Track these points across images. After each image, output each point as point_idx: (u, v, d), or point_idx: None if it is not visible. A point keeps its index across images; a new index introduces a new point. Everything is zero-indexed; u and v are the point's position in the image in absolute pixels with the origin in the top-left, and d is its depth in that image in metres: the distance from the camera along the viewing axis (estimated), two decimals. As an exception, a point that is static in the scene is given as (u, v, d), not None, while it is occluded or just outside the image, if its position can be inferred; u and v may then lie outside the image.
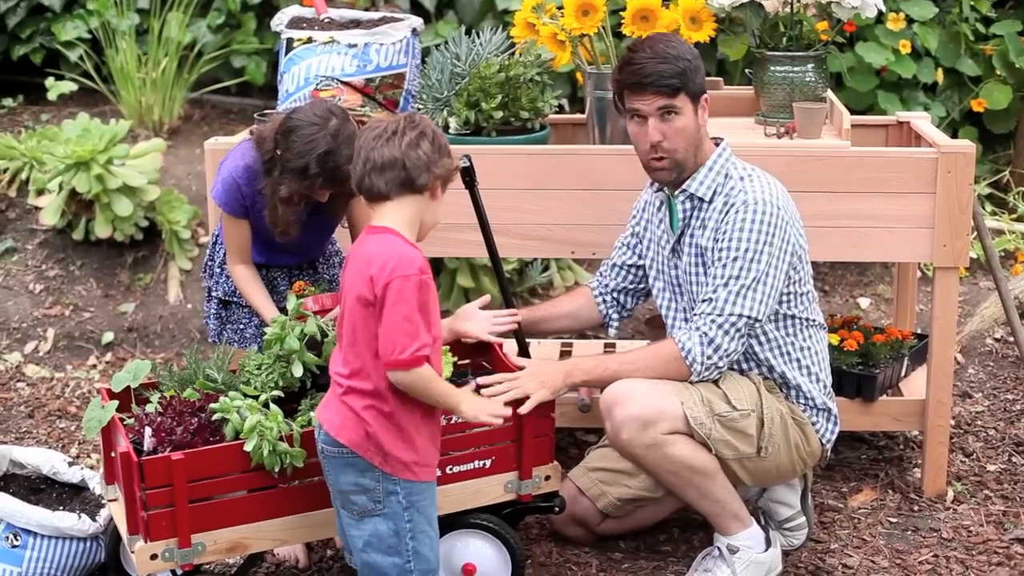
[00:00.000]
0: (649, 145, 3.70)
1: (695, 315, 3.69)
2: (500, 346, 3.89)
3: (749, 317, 3.64)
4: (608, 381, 3.74)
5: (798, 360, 3.82)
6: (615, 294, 4.12)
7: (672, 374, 3.68)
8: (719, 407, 3.67)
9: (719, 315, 3.64)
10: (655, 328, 4.43)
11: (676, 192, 3.78)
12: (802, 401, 3.85)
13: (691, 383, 3.69)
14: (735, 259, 3.64)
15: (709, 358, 3.66)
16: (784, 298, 3.75)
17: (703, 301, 3.68)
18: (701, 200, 3.75)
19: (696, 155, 3.74)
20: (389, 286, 3.14)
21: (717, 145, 3.80)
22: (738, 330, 3.65)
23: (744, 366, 3.82)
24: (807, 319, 3.82)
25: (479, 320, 3.87)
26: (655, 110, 3.66)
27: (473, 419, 3.33)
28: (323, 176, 3.64)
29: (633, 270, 4.09)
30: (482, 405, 3.37)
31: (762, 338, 3.78)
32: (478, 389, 3.65)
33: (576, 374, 3.73)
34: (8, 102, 7.17)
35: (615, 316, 4.14)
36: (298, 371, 3.58)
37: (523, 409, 3.59)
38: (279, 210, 3.72)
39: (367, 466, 3.23)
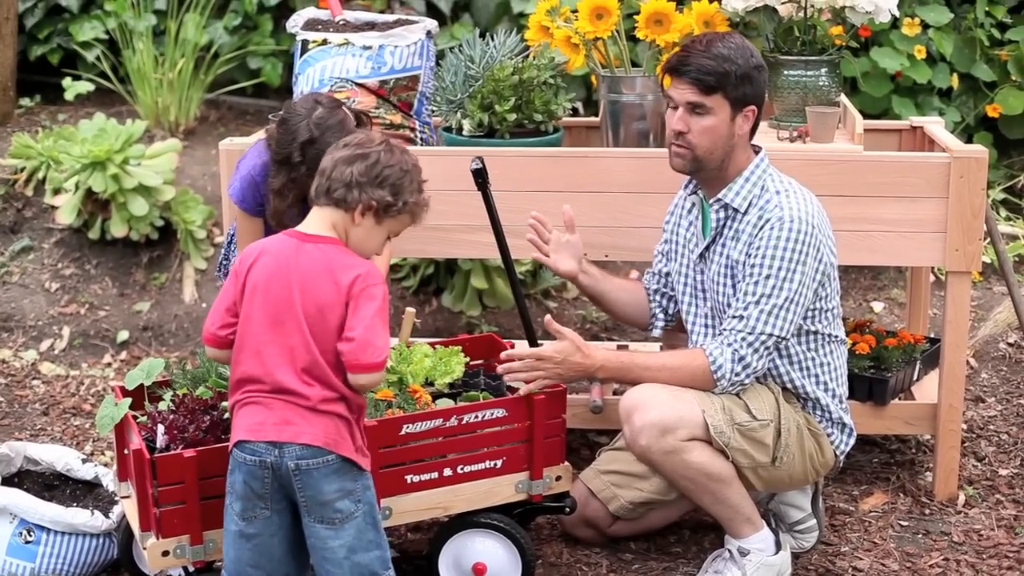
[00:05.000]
0: (671, 131, 3.70)
1: (726, 330, 3.67)
2: (511, 346, 3.91)
3: (779, 336, 3.65)
4: (631, 384, 3.75)
5: (816, 376, 3.81)
6: (659, 297, 4.10)
7: (697, 386, 3.68)
8: (739, 416, 3.67)
9: (750, 333, 3.64)
10: (669, 331, 4.43)
11: (711, 200, 3.78)
12: (818, 413, 3.85)
13: (713, 393, 3.70)
14: (768, 277, 3.63)
15: (737, 375, 3.66)
16: (809, 314, 3.74)
17: (735, 317, 3.67)
18: (735, 211, 3.73)
19: (724, 159, 3.71)
20: (365, 291, 3.16)
21: (756, 154, 3.79)
22: (767, 348, 3.66)
23: (762, 376, 3.82)
24: (829, 334, 3.81)
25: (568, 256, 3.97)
26: (685, 102, 3.65)
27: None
28: (307, 165, 3.67)
29: (669, 278, 4.08)
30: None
31: (783, 352, 3.78)
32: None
33: (600, 374, 3.75)
34: (25, 102, 7.21)
35: (661, 317, 4.09)
36: None
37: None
38: (272, 202, 3.76)
39: (347, 467, 3.20)
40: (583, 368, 3.72)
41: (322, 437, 3.18)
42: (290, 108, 3.74)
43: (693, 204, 3.89)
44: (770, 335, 3.63)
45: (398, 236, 3.38)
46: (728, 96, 3.65)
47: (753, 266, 3.66)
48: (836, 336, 3.84)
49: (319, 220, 3.28)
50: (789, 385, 3.81)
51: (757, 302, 3.64)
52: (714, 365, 3.65)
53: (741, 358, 3.64)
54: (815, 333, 3.78)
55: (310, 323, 3.18)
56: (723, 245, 3.77)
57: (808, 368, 3.80)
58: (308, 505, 3.24)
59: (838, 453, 3.89)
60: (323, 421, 3.19)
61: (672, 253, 3.99)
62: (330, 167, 3.27)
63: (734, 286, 3.74)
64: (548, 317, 3.73)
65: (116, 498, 3.91)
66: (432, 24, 4.56)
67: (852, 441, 3.92)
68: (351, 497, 3.23)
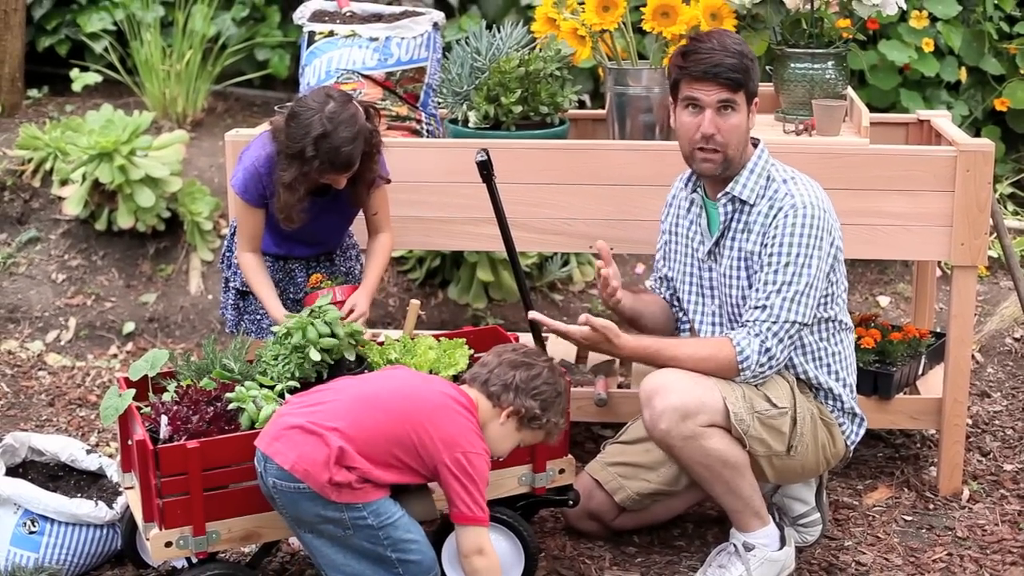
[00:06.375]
0: (700, 135, 3.66)
1: (750, 321, 3.66)
2: (516, 338, 3.90)
3: (801, 323, 3.64)
4: (654, 365, 3.75)
5: (829, 365, 3.81)
6: (677, 302, 4.07)
7: (721, 375, 3.67)
8: (759, 404, 3.66)
9: (774, 322, 3.63)
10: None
11: (717, 196, 3.76)
12: (831, 402, 3.84)
13: (733, 381, 3.69)
14: (787, 264, 3.63)
15: (762, 366, 3.65)
16: (822, 299, 3.73)
17: (756, 308, 3.66)
18: (744, 203, 3.73)
19: (742, 155, 3.73)
20: (468, 456, 3.31)
21: (755, 146, 3.79)
22: (791, 337, 3.65)
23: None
24: (840, 321, 3.81)
25: None
26: (715, 102, 3.64)
27: None
28: (319, 159, 3.66)
29: (672, 281, 4.07)
30: None
31: (798, 344, 3.76)
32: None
33: (625, 350, 3.73)
34: (33, 93, 7.21)
35: (684, 321, 4.09)
36: (315, 356, 3.60)
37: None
38: (282, 196, 3.75)
39: (322, 498, 3.25)
40: (610, 354, 3.76)
41: (292, 461, 3.23)
42: (301, 102, 3.74)
43: (692, 202, 3.88)
44: (794, 322, 3.63)
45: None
46: (747, 90, 3.66)
47: (771, 255, 3.65)
48: (845, 323, 3.84)
49: (470, 394, 3.44)
50: (803, 376, 3.80)
51: (779, 290, 3.63)
52: (741, 355, 3.64)
53: (767, 349, 3.64)
54: (827, 320, 3.77)
55: (404, 429, 3.30)
56: (733, 239, 3.76)
57: (821, 359, 3.80)
58: (293, 520, 3.32)
59: (849, 443, 3.89)
60: (307, 444, 3.24)
61: (672, 253, 3.98)
62: (494, 363, 3.46)
63: (749, 278, 3.73)
64: (585, 315, 3.70)
65: (120, 489, 3.91)
66: (439, 16, 4.56)
67: (862, 431, 3.92)
68: (335, 524, 3.28)
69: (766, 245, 3.67)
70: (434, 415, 3.32)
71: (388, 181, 3.98)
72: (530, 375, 3.42)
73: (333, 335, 3.64)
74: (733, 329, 3.74)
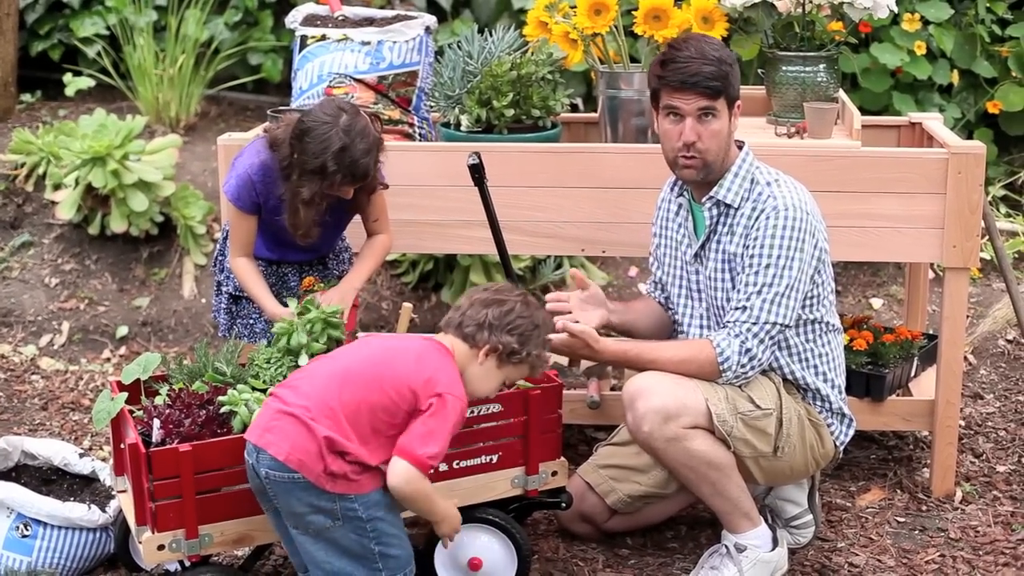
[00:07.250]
0: (682, 143, 3.67)
1: (731, 322, 3.67)
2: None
3: (782, 324, 3.65)
4: (636, 369, 3.76)
5: (816, 367, 3.81)
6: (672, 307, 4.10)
7: (703, 377, 3.68)
8: (742, 406, 3.67)
9: (754, 323, 3.64)
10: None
11: (703, 199, 3.77)
12: (818, 403, 3.84)
13: (716, 383, 3.70)
14: (767, 266, 3.64)
15: (743, 367, 3.66)
16: (807, 301, 3.74)
17: (737, 309, 3.67)
18: (728, 206, 3.74)
19: (724, 159, 3.73)
20: (443, 397, 3.28)
21: (739, 149, 3.80)
22: (772, 338, 3.66)
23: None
24: (827, 323, 3.81)
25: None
26: (695, 110, 3.64)
27: (444, 535, 3.48)
28: (341, 172, 3.67)
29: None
30: (454, 525, 3.47)
31: (783, 345, 3.77)
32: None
33: (606, 355, 3.75)
34: (26, 97, 7.21)
35: (680, 324, 4.10)
36: (303, 361, 3.60)
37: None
38: (300, 212, 3.74)
39: (316, 487, 3.24)
40: (591, 360, 3.79)
41: (285, 452, 3.23)
42: (312, 116, 3.72)
43: (680, 206, 3.89)
44: (774, 324, 3.63)
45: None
46: (728, 96, 3.66)
47: (752, 256, 3.66)
48: (833, 324, 3.84)
49: (447, 342, 3.43)
50: (790, 376, 3.81)
51: (759, 292, 3.64)
52: (721, 356, 3.65)
53: (748, 350, 3.64)
54: (814, 322, 3.77)
55: (371, 393, 3.29)
56: (718, 242, 3.77)
57: (807, 360, 3.80)
58: (282, 512, 3.32)
59: (838, 444, 3.89)
60: (299, 435, 3.23)
61: (664, 257, 3.99)
62: (466, 304, 3.46)
63: (733, 280, 3.74)
64: (563, 322, 3.71)
65: (113, 492, 3.92)
66: (431, 20, 4.56)
67: (852, 432, 3.92)
68: (325, 514, 3.27)
69: (748, 247, 3.68)
70: (410, 368, 3.31)
71: (386, 187, 3.98)
72: (503, 311, 3.42)
73: (317, 339, 3.66)
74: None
